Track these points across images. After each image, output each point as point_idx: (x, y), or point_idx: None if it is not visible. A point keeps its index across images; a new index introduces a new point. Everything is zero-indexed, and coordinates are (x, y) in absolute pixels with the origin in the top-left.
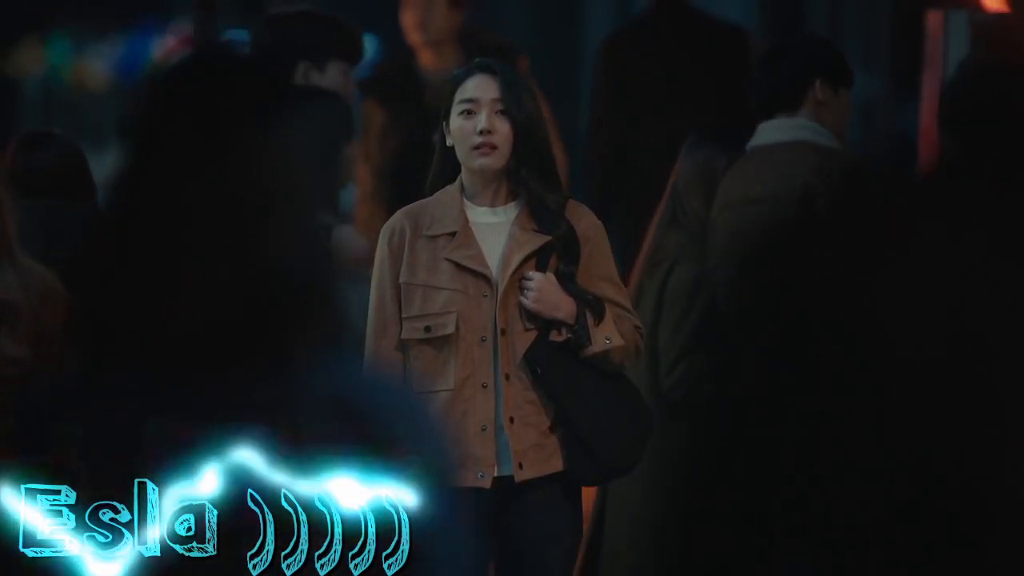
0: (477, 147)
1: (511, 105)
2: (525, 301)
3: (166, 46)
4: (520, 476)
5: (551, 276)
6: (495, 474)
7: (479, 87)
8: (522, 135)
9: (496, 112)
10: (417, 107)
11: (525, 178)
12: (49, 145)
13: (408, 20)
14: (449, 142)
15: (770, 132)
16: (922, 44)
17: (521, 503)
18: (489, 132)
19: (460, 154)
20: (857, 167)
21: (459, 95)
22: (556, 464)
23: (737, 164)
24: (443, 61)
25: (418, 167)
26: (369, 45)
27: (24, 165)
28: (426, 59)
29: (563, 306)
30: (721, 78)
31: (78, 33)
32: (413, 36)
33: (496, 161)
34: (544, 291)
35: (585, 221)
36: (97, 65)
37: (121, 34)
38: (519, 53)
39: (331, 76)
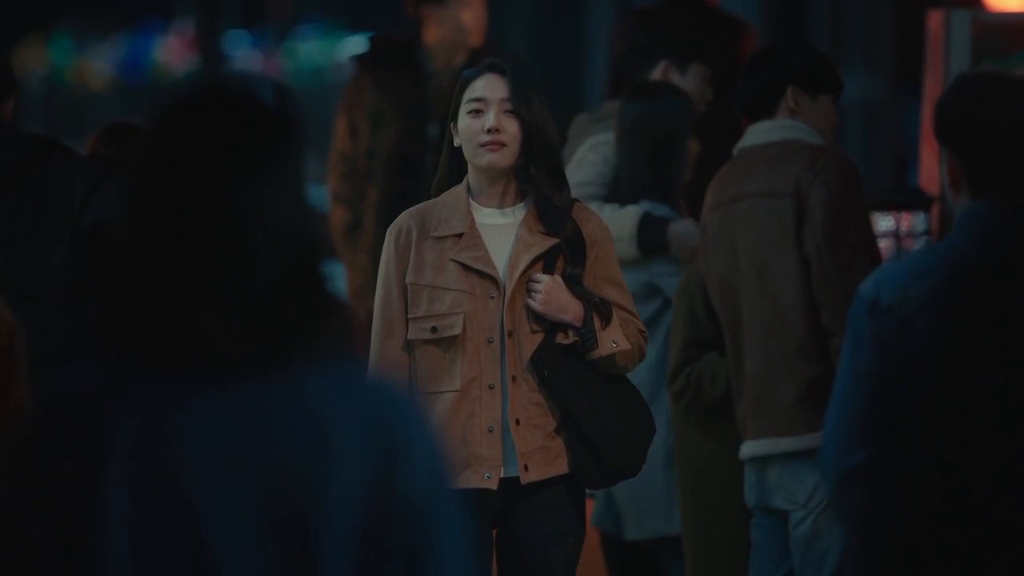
0: (484, 144)
1: (520, 105)
2: (532, 303)
3: (168, 46)
4: (526, 478)
5: (558, 278)
6: (501, 475)
7: (488, 87)
8: (531, 135)
9: (505, 112)
10: (417, 95)
11: (534, 177)
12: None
13: (469, 19)
14: (456, 142)
15: (760, 134)
16: (924, 44)
17: (526, 504)
18: (497, 131)
19: (467, 152)
20: (851, 165)
21: (467, 94)
22: (562, 466)
23: (727, 165)
24: (455, 62)
25: (414, 156)
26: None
27: (116, 155)
28: (443, 60)
29: (570, 308)
30: (727, 67)
31: (80, 33)
32: (474, 38)
33: (504, 159)
34: (551, 293)
35: (591, 223)
36: (99, 64)
37: (123, 34)
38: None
39: (691, 79)
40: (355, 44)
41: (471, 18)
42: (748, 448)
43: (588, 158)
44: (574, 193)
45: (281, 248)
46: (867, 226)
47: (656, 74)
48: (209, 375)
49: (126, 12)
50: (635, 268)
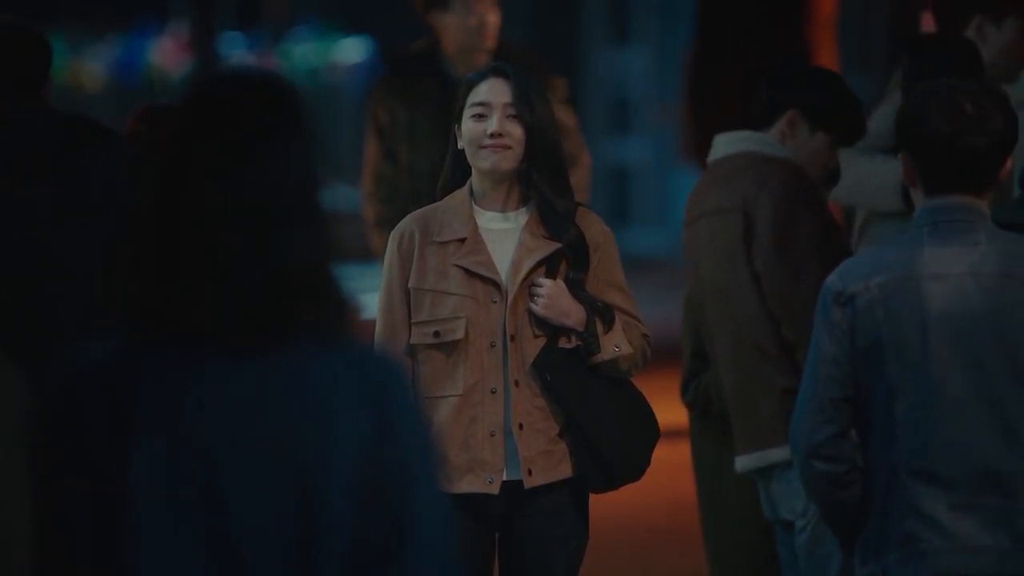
0: (487, 146)
1: (523, 109)
2: (535, 308)
3: (163, 48)
4: (529, 482)
5: (561, 283)
6: (504, 478)
7: (492, 91)
8: (534, 139)
9: (508, 116)
10: (448, 106)
11: (537, 182)
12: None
13: (493, 21)
14: (460, 145)
15: (721, 146)
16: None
17: (529, 508)
18: (500, 135)
19: (470, 155)
20: (797, 175)
21: (471, 98)
22: (565, 470)
23: (698, 180)
24: (477, 66)
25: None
26: (364, 46)
27: (156, 135)
28: (464, 65)
29: (572, 313)
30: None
31: (74, 34)
32: (488, 41)
33: (507, 161)
34: (554, 298)
35: (594, 228)
36: (94, 66)
37: (118, 35)
38: (554, 73)
39: (1006, 32)
40: (350, 46)
41: (477, 21)
42: (739, 462)
43: (884, 111)
44: (864, 144)
45: (283, 236)
46: (815, 234)
47: (971, 30)
48: (217, 350)
49: (121, 14)
50: (900, 219)
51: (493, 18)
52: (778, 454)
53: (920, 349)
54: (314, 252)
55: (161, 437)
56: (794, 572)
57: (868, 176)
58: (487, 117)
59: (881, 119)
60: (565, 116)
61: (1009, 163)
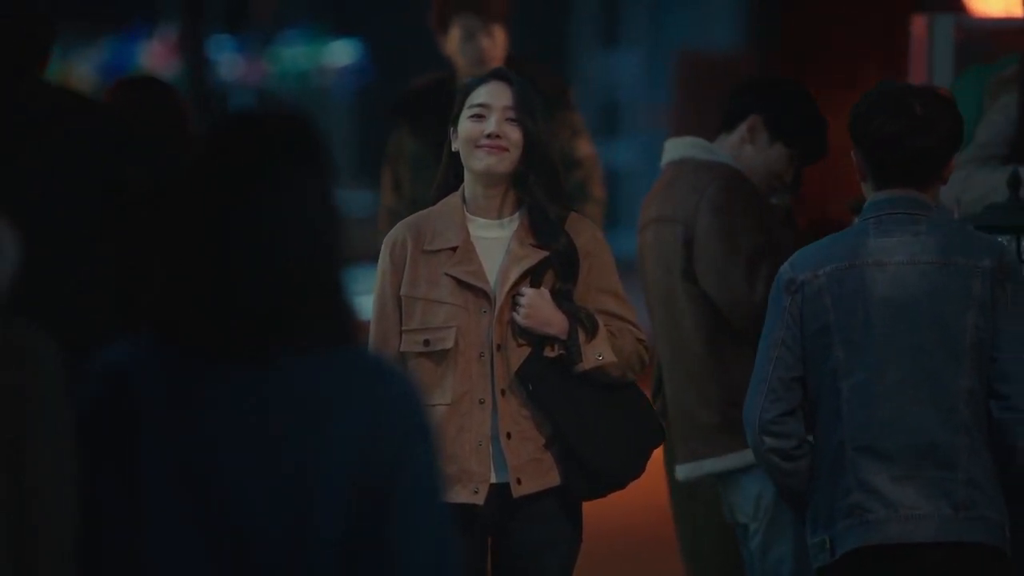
0: (483, 146)
1: (523, 114)
2: (516, 317)
3: (152, 51)
4: (518, 491)
5: (544, 292)
6: (493, 481)
7: (492, 93)
8: (532, 144)
9: (507, 119)
10: None
11: (532, 186)
12: (154, 88)
13: (488, 44)
14: (455, 147)
15: (668, 152)
16: (908, 48)
17: (521, 513)
18: (498, 136)
19: (464, 155)
20: (734, 180)
21: (471, 100)
22: (554, 478)
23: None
24: None
25: None
26: (354, 49)
27: (133, 107)
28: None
29: (555, 322)
30: None
31: (66, 37)
32: (494, 64)
33: (502, 163)
34: (535, 307)
35: (585, 235)
36: (83, 69)
37: (108, 38)
38: (571, 108)
39: None
40: (340, 48)
41: (473, 46)
42: (679, 471)
43: (993, 118)
44: (974, 155)
45: (291, 253)
46: (757, 234)
47: None
48: (224, 355)
49: (110, 17)
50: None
51: (487, 41)
52: (712, 465)
53: (864, 332)
54: (322, 269)
55: (168, 437)
56: (754, 573)
57: (993, 191)
58: (485, 118)
59: (990, 127)
60: (583, 147)
61: (954, 162)
